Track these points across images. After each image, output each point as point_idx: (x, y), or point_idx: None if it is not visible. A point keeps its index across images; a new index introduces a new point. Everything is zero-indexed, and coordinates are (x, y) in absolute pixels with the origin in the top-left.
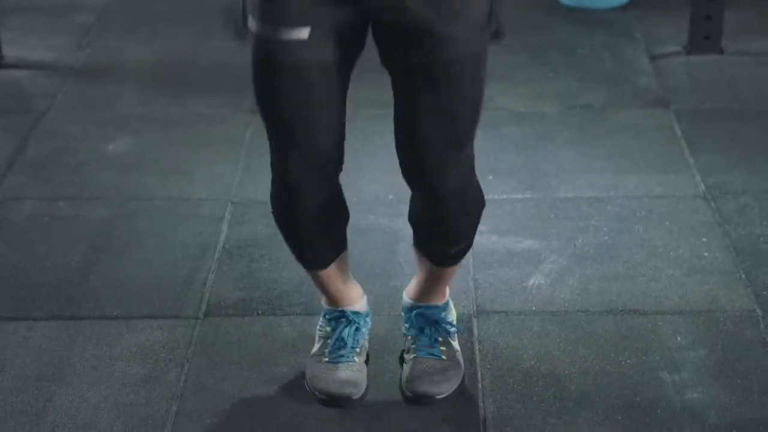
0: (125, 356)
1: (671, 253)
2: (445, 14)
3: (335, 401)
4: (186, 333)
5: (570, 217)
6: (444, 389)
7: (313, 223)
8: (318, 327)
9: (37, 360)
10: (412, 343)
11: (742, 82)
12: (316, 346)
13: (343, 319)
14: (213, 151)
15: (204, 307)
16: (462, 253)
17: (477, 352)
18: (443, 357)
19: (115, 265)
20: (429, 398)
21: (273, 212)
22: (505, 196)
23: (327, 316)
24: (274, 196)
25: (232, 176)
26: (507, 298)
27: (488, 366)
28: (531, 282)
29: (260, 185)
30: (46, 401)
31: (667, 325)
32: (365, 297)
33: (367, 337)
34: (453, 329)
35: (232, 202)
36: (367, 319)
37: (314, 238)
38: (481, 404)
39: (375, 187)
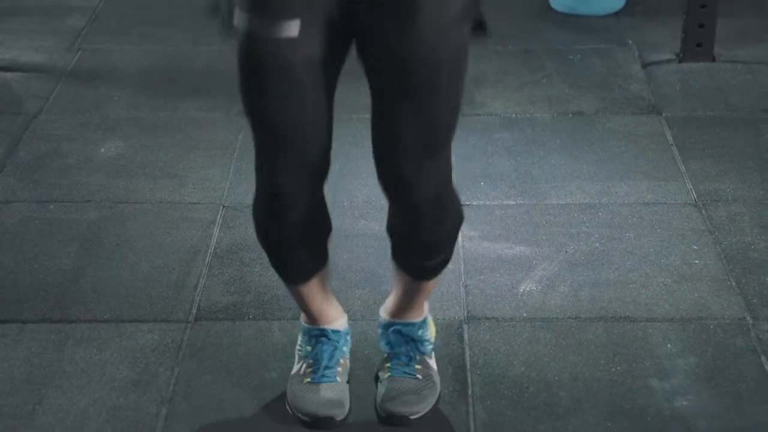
0: (115, 359)
1: (662, 261)
2: (424, 13)
3: (319, 423)
4: (176, 337)
5: (561, 224)
6: (418, 409)
7: (296, 232)
8: (297, 346)
9: (27, 363)
10: (387, 362)
11: (734, 89)
12: (296, 367)
13: (323, 338)
14: (204, 155)
15: (194, 311)
16: (439, 267)
17: (467, 358)
18: (418, 376)
19: (106, 268)
20: (403, 419)
21: (255, 221)
22: (496, 202)
23: (306, 335)
24: (258, 204)
25: (223, 180)
26: (498, 304)
27: (478, 372)
28: (522, 288)
29: (251, 189)
30: (35, 404)
31: (657, 333)
32: (345, 316)
33: (348, 356)
34: (430, 347)
35: (224, 206)
36: (348, 338)
37: (296, 249)
38: (471, 410)
39: (366, 191)
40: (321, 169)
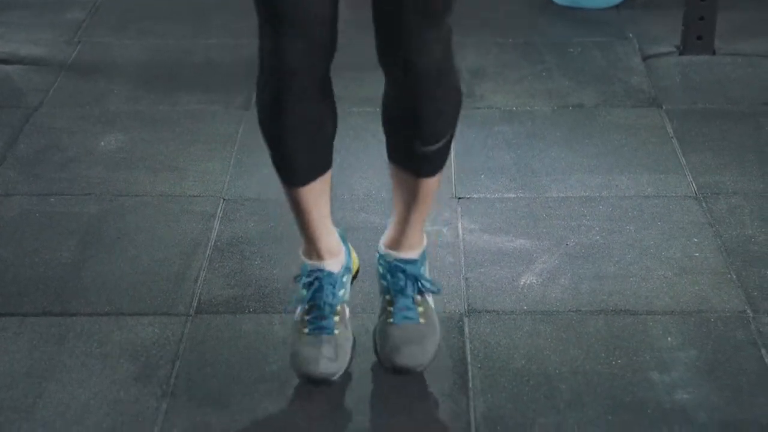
0: (115, 353)
1: (662, 254)
2: None
3: (314, 383)
4: (177, 330)
5: (561, 217)
6: (424, 360)
7: (302, 118)
8: (299, 286)
9: (28, 356)
10: (389, 305)
11: (734, 82)
12: (297, 311)
13: (317, 282)
14: (204, 148)
15: (195, 305)
16: (440, 157)
17: (468, 352)
18: (420, 320)
19: (106, 261)
20: (408, 371)
21: (259, 108)
22: (496, 195)
23: (304, 274)
24: (262, 86)
25: (224, 173)
26: (498, 297)
27: (479, 365)
28: (522, 281)
29: (252, 182)
30: (35, 397)
31: (657, 326)
32: (343, 252)
33: (345, 299)
34: (429, 284)
35: (224, 199)
36: (344, 281)
37: (300, 140)
38: (471, 403)
39: (367, 184)
40: (328, 43)
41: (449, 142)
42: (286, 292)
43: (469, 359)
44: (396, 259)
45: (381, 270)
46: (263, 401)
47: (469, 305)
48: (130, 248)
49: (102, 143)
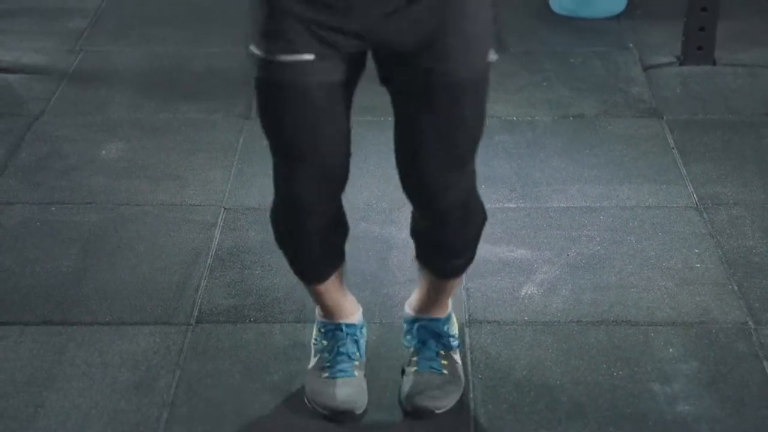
0: (116, 362)
1: (663, 264)
2: (448, 40)
3: (338, 417)
4: (177, 340)
5: (562, 227)
6: (444, 404)
7: (315, 239)
8: (313, 340)
9: (28, 365)
10: (414, 356)
11: (735, 92)
12: (314, 360)
13: (339, 332)
14: (205, 157)
15: (196, 314)
16: (465, 265)
17: (469, 362)
18: (444, 371)
19: (107, 270)
20: (428, 412)
21: (274, 227)
22: (497, 205)
23: (322, 330)
24: (276, 212)
25: (225, 182)
26: (499, 307)
27: (480, 376)
28: (523, 292)
29: (253, 191)
30: (36, 407)
31: (659, 337)
32: (360, 309)
33: (364, 349)
34: (455, 342)
35: (225, 208)
36: (363, 331)
37: (315, 253)
38: (472, 414)
39: (368, 194)
40: (340, 180)
41: (473, 255)
42: (286, 301)
43: (470, 370)
44: (421, 318)
45: (405, 326)
46: (264, 411)
47: (470, 315)
48: (131, 257)
49: (103, 152)
